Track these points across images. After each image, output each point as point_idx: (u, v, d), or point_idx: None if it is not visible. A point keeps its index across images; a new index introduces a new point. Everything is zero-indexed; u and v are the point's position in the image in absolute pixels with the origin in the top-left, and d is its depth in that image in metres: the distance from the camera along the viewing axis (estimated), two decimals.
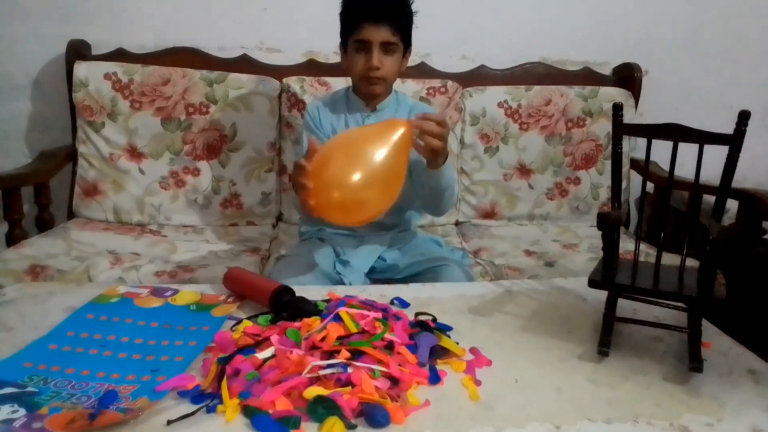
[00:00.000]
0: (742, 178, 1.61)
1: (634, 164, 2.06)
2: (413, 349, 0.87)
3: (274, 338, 0.87)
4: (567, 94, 1.98)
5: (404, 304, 1.07)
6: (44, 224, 1.79)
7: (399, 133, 1.06)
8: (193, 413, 0.71)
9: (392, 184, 1.06)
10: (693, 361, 0.86)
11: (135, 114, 1.82)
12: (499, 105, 1.95)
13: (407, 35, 1.39)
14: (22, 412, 0.70)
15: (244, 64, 1.96)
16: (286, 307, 0.98)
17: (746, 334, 1.03)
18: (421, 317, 1.00)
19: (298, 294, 1.01)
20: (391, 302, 1.07)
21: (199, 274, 1.46)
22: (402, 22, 1.36)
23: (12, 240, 1.62)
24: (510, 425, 0.73)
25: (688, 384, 0.84)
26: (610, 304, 0.93)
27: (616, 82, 2.10)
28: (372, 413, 0.71)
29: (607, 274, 0.92)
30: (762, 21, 2.18)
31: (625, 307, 0.99)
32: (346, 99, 1.49)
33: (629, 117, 1.84)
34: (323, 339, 0.86)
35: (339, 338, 0.87)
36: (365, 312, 0.95)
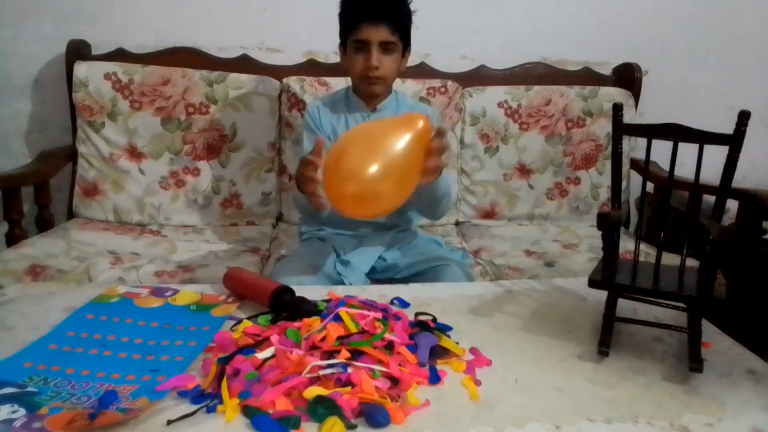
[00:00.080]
0: (742, 178, 1.61)
1: (634, 164, 2.06)
2: (413, 349, 0.87)
3: (274, 338, 0.87)
4: (567, 94, 1.98)
5: (404, 304, 1.06)
6: (44, 224, 1.79)
7: (418, 126, 1.02)
8: (193, 413, 0.71)
9: (408, 177, 1.03)
10: (693, 361, 0.86)
11: (135, 114, 1.82)
12: (499, 105, 1.95)
13: (406, 35, 1.39)
14: (22, 412, 0.70)
15: (244, 64, 1.96)
16: (286, 307, 0.98)
17: (746, 334, 1.03)
18: (421, 317, 1.00)
19: (298, 294, 1.01)
20: (391, 302, 1.07)
21: (199, 274, 1.46)
22: (401, 21, 1.36)
23: (12, 240, 1.62)
24: (510, 425, 0.73)
25: (688, 384, 0.84)
26: (610, 304, 0.93)
27: (616, 82, 2.10)
28: (372, 413, 0.71)
29: (607, 274, 0.92)
30: (762, 21, 2.18)
31: (625, 307, 0.99)
32: (346, 99, 1.49)
33: (629, 117, 1.84)
34: (323, 339, 0.86)
35: (339, 338, 0.87)
36: (365, 312, 0.95)
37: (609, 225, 0.91)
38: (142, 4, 1.95)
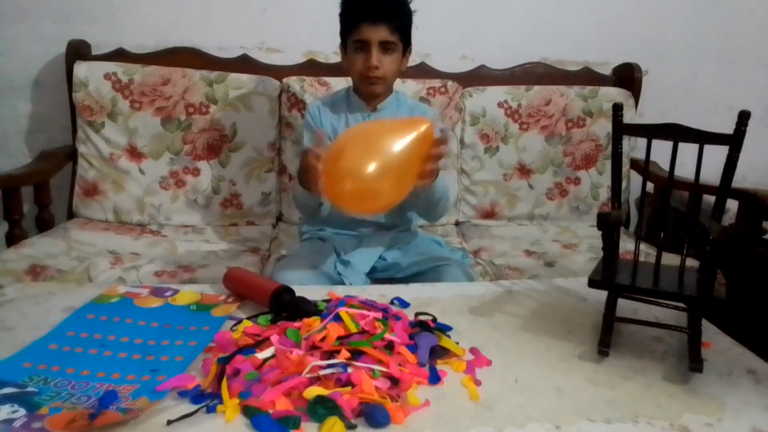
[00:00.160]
0: (742, 178, 1.61)
1: (634, 164, 2.05)
2: (413, 349, 0.87)
3: (274, 338, 0.87)
4: (567, 94, 1.98)
5: (404, 304, 1.07)
6: (44, 224, 1.79)
7: (420, 129, 1.03)
8: (193, 413, 0.71)
9: (406, 177, 1.04)
10: (693, 361, 0.86)
11: (135, 114, 1.82)
12: (499, 105, 1.95)
13: (406, 34, 1.39)
14: (22, 412, 0.70)
15: (244, 64, 1.96)
16: (286, 307, 0.98)
17: (746, 334, 1.03)
18: (421, 317, 1.00)
19: (298, 294, 1.01)
20: (391, 302, 1.07)
21: (199, 274, 1.46)
22: (400, 21, 1.36)
23: (12, 240, 1.62)
24: (510, 425, 0.73)
25: (688, 384, 0.84)
26: (610, 304, 0.93)
27: (616, 82, 2.10)
28: (372, 413, 0.71)
29: (607, 274, 0.92)
30: (762, 21, 2.18)
31: (625, 307, 0.99)
32: (347, 99, 1.49)
33: (629, 117, 1.84)
34: (323, 339, 0.86)
35: (339, 338, 0.87)
36: (365, 312, 0.95)
37: (609, 225, 0.91)
38: (142, 4, 1.95)
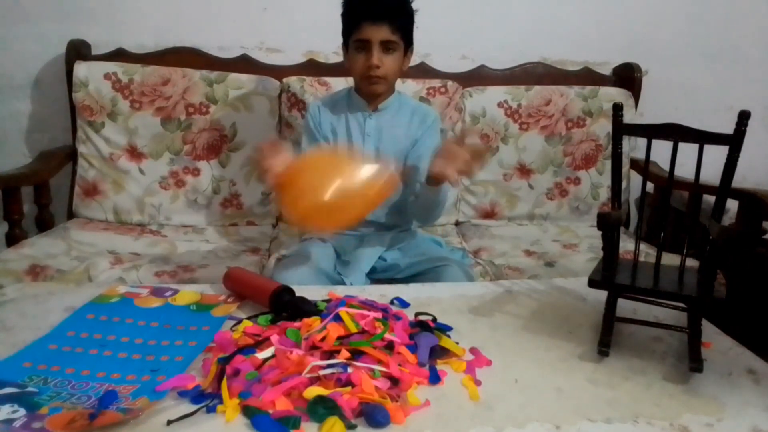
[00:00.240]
0: (742, 178, 1.61)
1: (634, 164, 2.05)
2: (413, 349, 0.87)
3: (274, 338, 0.87)
4: (567, 94, 1.98)
5: (404, 304, 1.07)
6: (44, 224, 1.79)
7: (382, 178, 1.07)
8: (193, 413, 0.71)
9: (355, 210, 1.09)
10: (693, 361, 0.86)
11: (135, 114, 1.82)
12: (499, 105, 1.95)
13: (408, 34, 1.39)
14: (22, 412, 0.70)
15: (244, 64, 1.96)
16: (286, 307, 0.98)
17: (746, 334, 1.03)
18: (421, 317, 1.00)
19: (298, 294, 1.01)
20: (391, 302, 1.07)
21: (199, 274, 1.46)
22: (402, 21, 1.36)
23: (12, 240, 1.62)
24: (510, 425, 0.73)
25: (688, 384, 0.84)
26: (610, 304, 0.93)
27: (616, 82, 2.10)
28: (372, 413, 0.71)
29: (607, 274, 0.92)
30: (762, 21, 2.18)
31: (625, 307, 0.99)
32: (348, 99, 1.49)
33: (629, 117, 1.84)
34: (323, 339, 0.86)
35: (339, 338, 0.87)
36: (365, 312, 0.95)
37: (609, 225, 0.91)
38: (142, 4, 1.95)
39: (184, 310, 1.02)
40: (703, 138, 0.91)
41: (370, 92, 1.43)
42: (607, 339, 0.91)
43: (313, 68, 1.98)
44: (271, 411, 0.72)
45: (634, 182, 2.08)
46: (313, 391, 0.74)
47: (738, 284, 1.57)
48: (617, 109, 0.98)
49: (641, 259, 1.02)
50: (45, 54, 1.94)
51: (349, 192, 1.05)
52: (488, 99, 1.96)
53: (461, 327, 0.98)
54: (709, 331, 0.99)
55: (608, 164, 1.95)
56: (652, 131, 0.95)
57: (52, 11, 1.91)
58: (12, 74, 1.95)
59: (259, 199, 1.90)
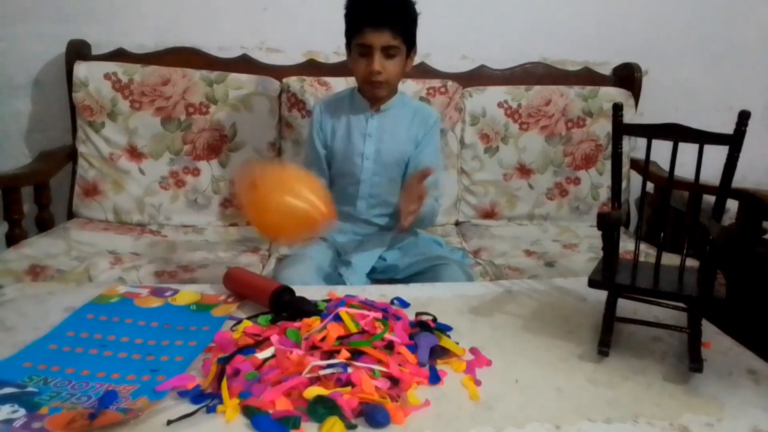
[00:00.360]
0: (742, 178, 1.61)
1: (634, 164, 2.05)
2: (413, 349, 0.87)
3: (274, 338, 0.87)
4: (567, 94, 1.98)
5: (404, 304, 1.07)
6: (44, 224, 1.79)
7: (315, 216, 1.09)
8: (193, 413, 0.71)
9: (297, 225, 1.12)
10: (693, 361, 0.86)
11: (135, 114, 1.82)
12: (499, 105, 1.95)
13: (410, 37, 1.39)
14: (22, 412, 0.70)
15: (244, 64, 1.96)
16: (286, 307, 0.98)
17: (746, 334, 1.03)
18: (422, 317, 1.00)
19: (298, 294, 1.01)
20: (391, 302, 1.07)
21: (199, 274, 1.45)
22: (403, 25, 1.35)
23: (12, 240, 1.62)
24: (510, 425, 0.73)
25: (688, 384, 0.84)
26: (610, 304, 0.93)
27: (616, 82, 2.10)
28: (372, 413, 0.71)
29: (607, 274, 0.92)
30: (762, 21, 2.18)
31: (625, 307, 0.99)
32: (351, 99, 1.50)
33: (629, 117, 1.84)
34: (323, 339, 0.86)
35: (339, 338, 0.87)
36: (365, 312, 0.95)
37: (609, 225, 0.91)
38: (142, 4, 1.95)
39: (184, 310, 1.02)
40: (703, 138, 0.91)
41: (372, 95, 1.44)
42: (607, 339, 0.91)
43: (313, 68, 1.98)
44: (271, 411, 0.72)
45: (634, 182, 2.08)
46: (313, 391, 0.74)
47: (738, 284, 1.57)
48: (617, 109, 0.98)
49: (641, 259, 1.02)
50: (45, 54, 1.93)
51: (285, 213, 1.08)
52: (488, 99, 1.96)
53: (461, 327, 0.98)
54: (709, 331, 0.99)
55: (608, 164, 1.95)
56: (652, 131, 0.95)
57: (52, 11, 1.91)
58: (12, 74, 1.95)
59: None
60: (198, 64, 1.90)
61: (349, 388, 0.76)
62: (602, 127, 1.98)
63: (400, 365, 0.82)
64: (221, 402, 0.74)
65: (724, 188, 0.91)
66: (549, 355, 0.91)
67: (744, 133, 0.89)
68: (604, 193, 2.02)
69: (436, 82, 1.93)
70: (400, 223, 1.21)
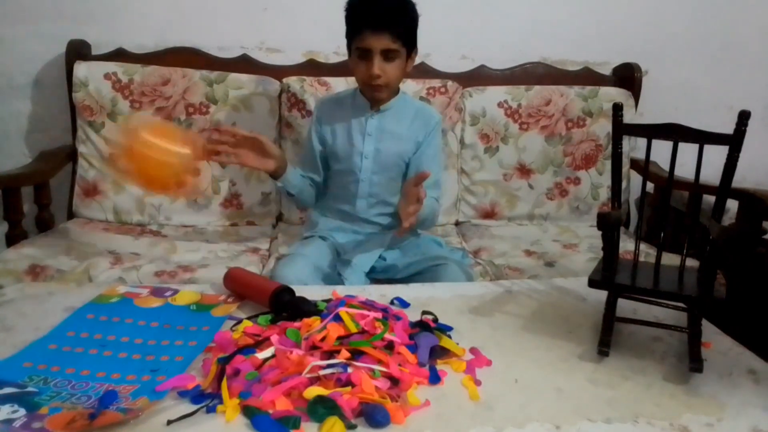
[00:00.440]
0: (742, 178, 1.60)
1: (634, 164, 2.05)
2: (413, 349, 0.87)
3: (274, 338, 0.87)
4: (567, 94, 1.98)
5: (404, 304, 1.07)
6: (44, 224, 1.79)
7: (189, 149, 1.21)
8: (193, 413, 0.71)
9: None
10: (693, 361, 0.86)
11: (135, 114, 1.81)
12: (499, 105, 1.95)
13: (410, 39, 1.39)
14: (22, 412, 0.70)
15: (244, 64, 1.96)
16: (286, 307, 0.98)
17: (746, 334, 1.03)
18: (426, 316, 1.00)
19: (298, 294, 1.01)
20: (391, 302, 1.07)
21: (199, 274, 1.45)
22: (403, 28, 1.35)
23: (12, 240, 1.62)
24: (510, 425, 0.73)
25: (688, 384, 0.84)
26: (610, 304, 0.93)
27: (616, 82, 2.10)
28: (372, 413, 0.71)
29: (607, 274, 0.92)
30: (762, 21, 2.17)
31: (625, 307, 0.99)
32: (352, 99, 1.50)
33: (629, 117, 1.84)
34: (323, 339, 0.86)
35: (339, 338, 0.87)
36: (365, 312, 0.95)
37: (609, 225, 0.91)
38: (142, 4, 1.95)
39: (184, 310, 1.02)
40: (703, 138, 0.91)
41: (372, 98, 1.45)
42: (607, 339, 0.91)
43: (313, 68, 1.98)
44: (271, 411, 0.72)
45: (634, 182, 2.08)
46: (313, 391, 0.74)
47: (738, 284, 1.57)
48: (617, 109, 0.98)
49: (641, 259, 1.02)
50: (45, 54, 1.93)
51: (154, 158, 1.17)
52: (488, 99, 1.96)
53: (461, 327, 0.98)
54: (709, 331, 0.99)
55: (608, 164, 1.95)
56: (652, 131, 0.95)
57: (52, 11, 1.91)
58: (12, 74, 1.95)
59: (259, 199, 1.90)
60: (198, 64, 1.90)
61: (349, 388, 0.76)
62: (602, 127, 1.98)
63: (400, 365, 0.82)
64: (221, 402, 0.74)
65: (724, 188, 0.91)
66: (549, 355, 0.91)
67: (744, 133, 0.89)
68: (604, 193, 2.02)
69: (436, 82, 1.93)
70: (401, 226, 1.21)
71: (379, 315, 0.95)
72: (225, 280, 1.11)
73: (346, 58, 1.48)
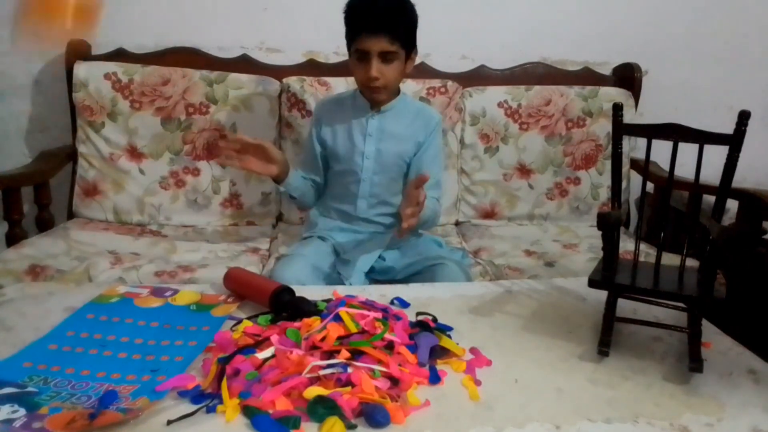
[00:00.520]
0: (742, 178, 1.60)
1: (634, 164, 2.05)
2: (413, 349, 0.87)
3: (274, 338, 0.87)
4: (567, 94, 1.98)
5: (404, 304, 1.07)
6: (44, 224, 1.79)
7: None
8: (193, 413, 0.71)
9: None
10: (693, 361, 0.86)
11: (135, 114, 1.82)
12: (499, 105, 1.95)
13: (409, 40, 1.39)
14: (22, 412, 0.70)
15: (244, 64, 1.96)
16: (286, 307, 0.98)
17: (746, 334, 1.03)
18: (422, 317, 1.00)
19: (298, 294, 1.01)
20: (391, 302, 1.07)
21: (199, 274, 1.45)
22: (401, 30, 1.34)
23: (12, 240, 1.62)
24: (510, 425, 0.73)
25: (688, 384, 0.84)
26: (610, 304, 0.93)
27: (616, 82, 2.10)
28: (372, 413, 0.71)
29: (607, 274, 0.92)
30: (762, 21, 2.17)
31: (625, 307, 0.99)
32: (353, 100, 1.50)
33: (629, 117, 1.84)
34: (323, 339, 0.86)
35: (339, 338, 0.87)
36: (365, 312, 0.95)
37: (609, 225, 0.91)
38: (142, 4, 1.95)
39: (184, 310, 1.02)
40: (703, 138, 0.91)
41: (371, 99, 1.45)
42: (607, 339, 0.91)
43: (313, 68, 1.98)
44: (271, 411, 0.72)
45: (634, 182, 2.08)
46: (313, 391, 0.74)
47: (738, 284, 1.57)
48: (617, 109, 0.98)
49: (641, 259, 1.02)
50: (45, 54, 1.93)
51: None
52: (488, 99, 1.96)
53: (461, 327, 0.98)
54: (709, 331, 0.99)
55: (608, 164, 1.95)
56: (652, 131, 0.95)
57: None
58: (12, 74, 1.95)
59: (259, 199, 1.90)
60: (198, 64, 1.90)
61: (349, 388, 0.76)
62: (602, 127, 1.98)
63: (400, 365, 0.82)
64: (221, 402, 0.74)
65: (724, 188, 0.91)
66: (549, 355, 0.91)
67: (744, 133, 0.89)
68: (604, 193, 2.02)
69: (436, 82, 1.93)
70: (402, 228, 1.21)
71: (379, 315, 0.95)
72: (225, 280, 1.11)
73: (346, 58, 1.48)
